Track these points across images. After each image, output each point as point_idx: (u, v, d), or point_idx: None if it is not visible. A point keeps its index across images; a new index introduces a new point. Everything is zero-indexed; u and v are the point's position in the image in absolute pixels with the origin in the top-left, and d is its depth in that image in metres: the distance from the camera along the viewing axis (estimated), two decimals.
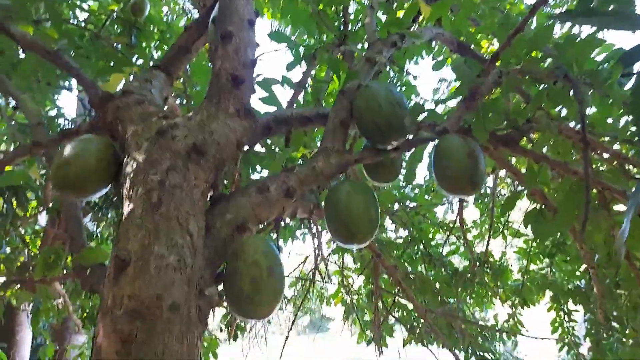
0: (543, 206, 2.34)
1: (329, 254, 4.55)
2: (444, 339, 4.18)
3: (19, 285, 3.44)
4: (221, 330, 4.17)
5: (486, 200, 4.85)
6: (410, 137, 1.59)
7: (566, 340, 4.58)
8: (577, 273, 4.01)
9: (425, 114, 1.67)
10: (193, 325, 1.08)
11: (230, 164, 1.39)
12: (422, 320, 4.60)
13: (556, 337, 4.57)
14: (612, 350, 3.98)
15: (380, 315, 4.17)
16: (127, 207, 1.15)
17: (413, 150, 1.79)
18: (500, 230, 4.69)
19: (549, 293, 4.55)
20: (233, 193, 1.37)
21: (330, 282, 4.49)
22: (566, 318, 4.55)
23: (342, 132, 1.54)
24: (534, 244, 4.50)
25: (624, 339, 3.79)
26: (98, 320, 1.04)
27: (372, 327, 4.62)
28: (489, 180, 4.38)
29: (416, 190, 4.44)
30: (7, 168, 1.71)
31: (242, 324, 4.39)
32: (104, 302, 1.04)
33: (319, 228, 4.15)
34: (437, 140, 1.58)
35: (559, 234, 3.72)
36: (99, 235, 4.18)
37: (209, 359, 4.20)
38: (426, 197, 4.46)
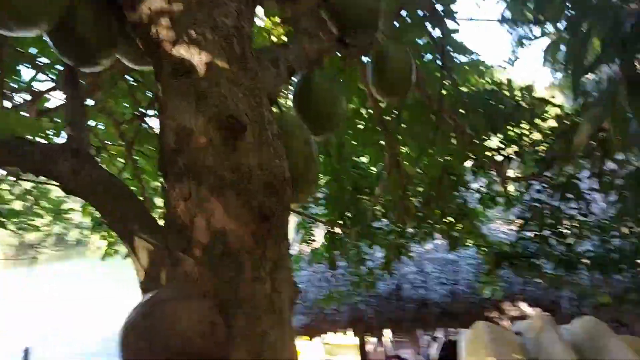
0: None
1: None
2: None
3: None
4: None
5: None
6: None
7: None
8: None
9: None
10: None
11: None
12: None
13: None
14: None
15: None
16: (195, 55, 0.87)
17: None
18: None
19: None
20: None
21: None
22: None
23: (318, 15, 1.50)
24: None
25: None
26: (205, 199, 0.81)
27: None
28: None
29: None
30: None
31: None
32: (211, 175, 0.81)
33: None
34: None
35: None
36: None
37: None
38: None
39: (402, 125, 3.06)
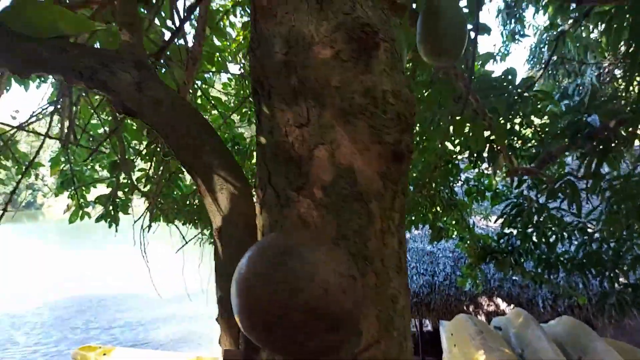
0: None
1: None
2: None
3: None
4: None
5: None
6: None
7: None
8: None
9: None
10: None
11: None
12: None
13: None
14: None
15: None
16: None
17: None
18: None
19: None
20: None
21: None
22: None
23: None
24: None
25: None
26: (328, 127, 0.65)
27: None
28: None
29: None
30: None
31: None
32: (337, 97, 0.65)
33: None
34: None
35: None
36: None
37: None
38: None
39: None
